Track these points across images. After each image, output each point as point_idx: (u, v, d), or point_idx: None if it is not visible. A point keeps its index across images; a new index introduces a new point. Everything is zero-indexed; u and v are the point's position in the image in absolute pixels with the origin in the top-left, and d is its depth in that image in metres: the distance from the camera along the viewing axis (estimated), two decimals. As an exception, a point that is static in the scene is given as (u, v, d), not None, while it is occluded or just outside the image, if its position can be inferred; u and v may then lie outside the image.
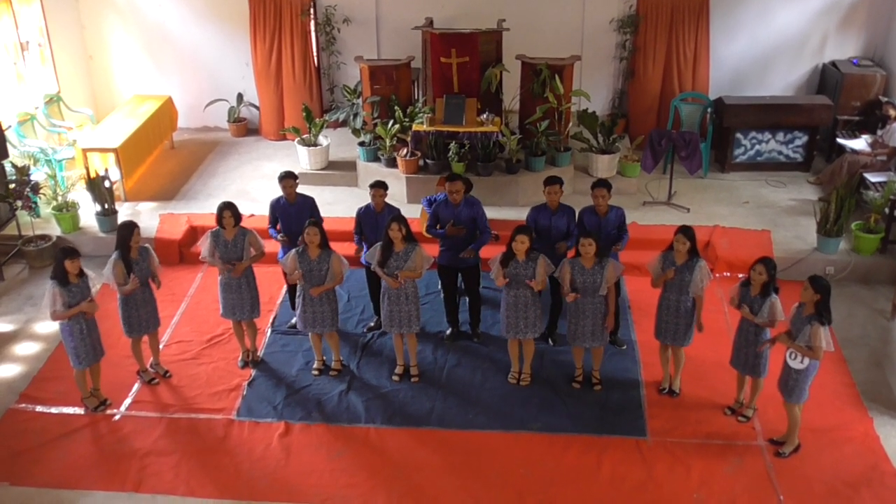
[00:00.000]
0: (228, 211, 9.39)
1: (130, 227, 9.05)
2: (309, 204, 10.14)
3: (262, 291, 9.90)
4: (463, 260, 9.94)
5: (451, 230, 9.75)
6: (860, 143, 13.41)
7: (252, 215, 12.26)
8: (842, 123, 14.25)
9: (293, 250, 9.25)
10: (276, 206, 10.13)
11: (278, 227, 10.14)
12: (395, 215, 9.25)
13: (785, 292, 8.57)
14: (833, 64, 14.73)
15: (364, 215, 9.98)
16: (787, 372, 8.23)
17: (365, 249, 9.78)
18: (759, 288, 8.38)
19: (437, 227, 9.91)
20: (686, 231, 8.77)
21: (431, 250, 9.75)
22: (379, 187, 9.85)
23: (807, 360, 8.01)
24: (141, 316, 9.36)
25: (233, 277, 9.51)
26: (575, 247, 9.16)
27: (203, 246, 9.56)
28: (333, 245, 9.34)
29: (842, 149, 13.63)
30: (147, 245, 9.42)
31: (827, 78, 14.82)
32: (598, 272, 8.84)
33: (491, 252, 9.68)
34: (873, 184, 12.30)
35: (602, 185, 9.59)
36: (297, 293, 9.44)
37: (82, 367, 9.04)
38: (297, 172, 10.31)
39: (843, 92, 14.18)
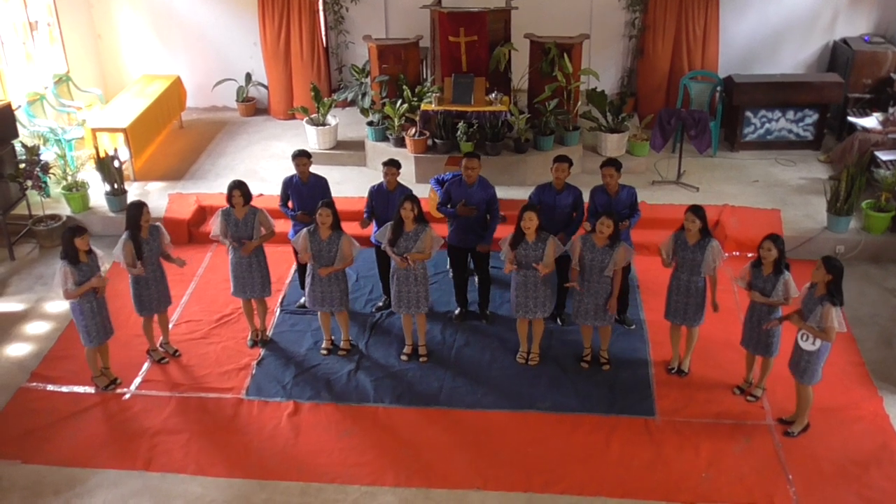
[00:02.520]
0: (238, 190, 9.39)
1: (139, 206, 9.06)
2: (322, 184, 10.13)
3: (271, 271, 9.90)
4: (473, 240, 9.92)
5: (462, 210, 9.72)
6: (871, 121, 13.34)
7: (261, 195, 12.27)
8: (853, 101, 14.18)
9: (304, 230, 9.25)
10: (288, 185, 10.11)
11: (290, 204, 10.14)
12: (409, 195, 9.22)
13: (795, 271, 8.53)
14: (844, 41, 14.64)
15: (376, 194, 9.97)
16: (799, 353, 8.19)
17: (376, 228, 9.79)
18: (770, 266, 8.33)
19: (448, 205, 9.89)
20: (696, 210, 8.71)
21: (441, 231, 9.74)
22: (392, 166, 9.83)
23: (818, 342, 7.98)
24: (152, 295, 9.38)
25: (243, 256, 9.52)
26: (573, 233, 9.17)
27: (214, 225, 9.57)
28: (342, 225, 9.33)
29: (853, 127, 13.57)
30: (158, 224, 9.44)
31: (838, 55, 14.73)
32: (608, 253, 8.82)
33: (502, 232, 9.67)
34: (884, 162, 12.24)
35: (611, 164, 9.53)
36: (307, 272, 9.45)
37: (93, 345, 9.07)
38: (305, 152, 10.29)
39: (854, 69, 14.10)
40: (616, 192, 9.59)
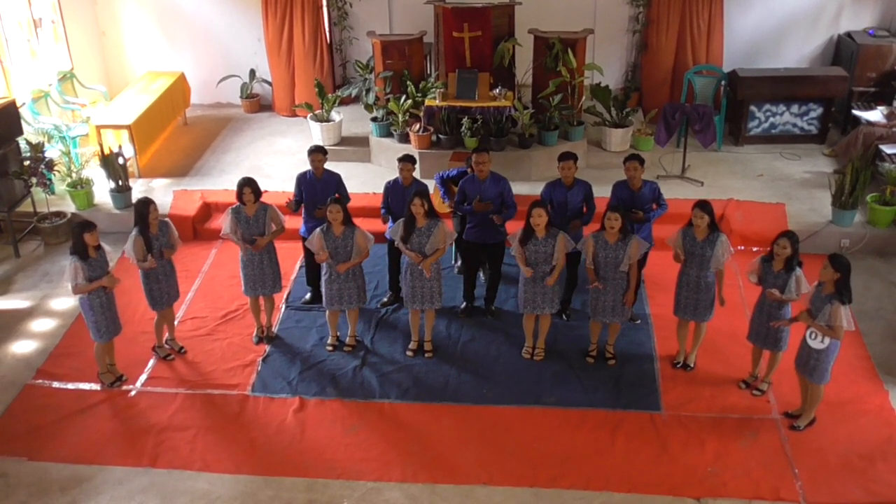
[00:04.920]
0: (248, 187, 9.39)
1: (147, 203, 9.05)
2: (335, 180, 10.13)
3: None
4: (491, 236, 9.89)
5: (479, 206, 9.69)
6: (876, 115, 13.32)
7: (265, 191, 12.23)
8: (857, 95, 14.14)
9: (318, 229, 9.24)
10: (301, 180, 10.10)
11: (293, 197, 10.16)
12: (418, 190, 9.22)
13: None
14: (849, 35, 14.61)
15: (392, 189, 9.98)
16: (808, 352, 8.17)
17: (391, 223, 9.79)
18: (783, 263, 8.32)
19: (465, 203, 9.86)
20: (704, 206, 8.69)
21: (449, 226, 9.74)
22: (407, 161, 9.84)
23: (827, 340, 7.96)
24: (163, 289, 9.39)
25: (254, 253, 9.53)
26: (586, 223, 9.16)
27: (224, 223, 9.57)
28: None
29: (857, 120, 13.55)
30: (167, 220, 9.45)
31: (842, 49, 14.71)
32: (622, 248, 8.81)
33: (512, 227, 9.66)
34: (889, 155, 12.21)
35: (634, 158, 9.49)
36: (324, 270, 9.42)
37: (104, 340, 9.09)
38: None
39: (858, 63, 14.07)
40: (639, 187, 9.57)
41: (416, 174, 11.92)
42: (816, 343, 8.05)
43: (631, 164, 9.49)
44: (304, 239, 9.94)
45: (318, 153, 9.97)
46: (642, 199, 9.57)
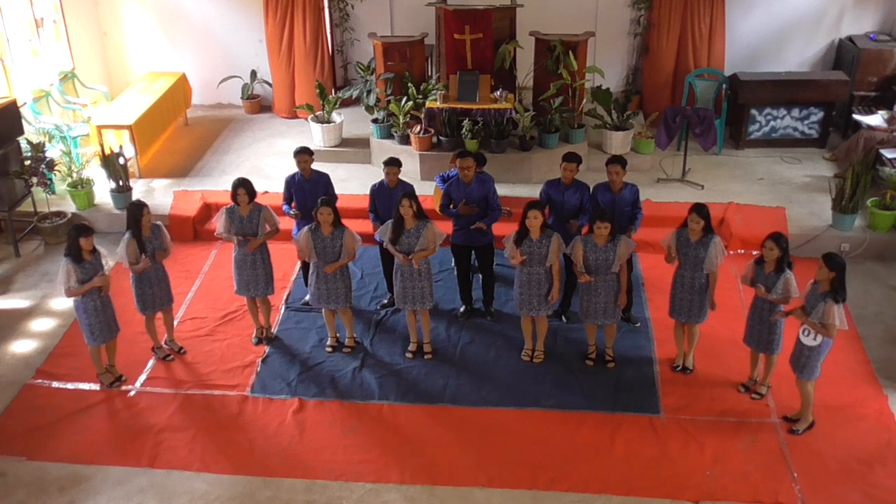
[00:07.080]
0: (243, 188, 9.39)
1: (139, 206, 9.07)
2: (324, 180, 10.14)
3: (276, 268, 9.91)
4: (477, 238, 9.92)
5: (464, 209, 9.72)
6: (876, 119, 13.32)
7: (266, 192, 12.27)
8: (858, 99, 14.14)
9: (306, 227, 9.26)
10: (290, 183, 10.12)
11: (293, 203, 10.14)
12: (406, 192, 9.23)
13: (800, 269, 8.54)
14: (850, 39, 14.60)
15: (378, 192, 9.98)
16: (800, 348, 8.23)
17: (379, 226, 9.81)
18: (773, 264, 8.35)
19: (451, 206, 9.88)
20: (700, 209, 8.72)
21: (443, 227, 9.74)
22: (393, 164, 9.84)
23: (820, 338, 8.00)
24: (154, 293, 9.39)
25: (247, 253, 9.53)
26: (588, 224, 9.16)
27: (218, 222, 9.58)
28: (347, 222, 9.36)
29: (858, 125, 13.54)
30: (159, 223, 9.45)
31: (843, 53, 14.70)
32: (611, 249, 8.83)
33: (506, 229, 9.67)
34: (889, 160, 12.22)
35: (616, 161, 9.54)
36: (311, 270, 9.45)
37: (96, 343, 9.09)
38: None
39: (859, 67, 14.06)
40: (620, 189, 9.60)
41: (417, 176, 11.95)
42: (809, 340, 8.10)
43: (613, 167, 9.52)
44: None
45: (304, 154, 9.99)
46: (622, 202, 9.62)
